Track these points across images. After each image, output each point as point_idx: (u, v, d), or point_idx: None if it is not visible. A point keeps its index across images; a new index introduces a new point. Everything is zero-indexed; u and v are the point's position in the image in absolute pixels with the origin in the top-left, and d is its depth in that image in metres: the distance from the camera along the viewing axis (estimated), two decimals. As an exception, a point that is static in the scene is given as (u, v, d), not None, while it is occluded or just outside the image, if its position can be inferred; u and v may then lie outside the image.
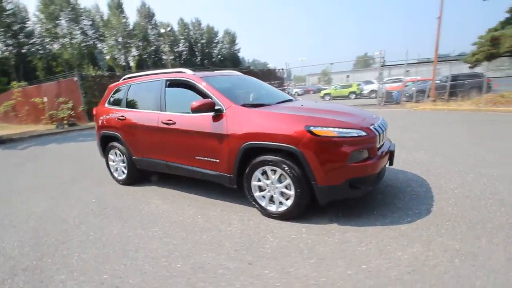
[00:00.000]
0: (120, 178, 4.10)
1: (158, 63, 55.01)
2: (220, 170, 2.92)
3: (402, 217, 2.54)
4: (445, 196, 2.90)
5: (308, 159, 2.33)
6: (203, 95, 3.02)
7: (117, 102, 4.02)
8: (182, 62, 60.44)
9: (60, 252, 2.39)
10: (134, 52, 53.63)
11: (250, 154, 2.68)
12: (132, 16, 67.55)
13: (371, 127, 2.49)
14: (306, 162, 2.35)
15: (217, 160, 2.91)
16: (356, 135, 2.36)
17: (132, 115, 3.68)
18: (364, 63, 73.88)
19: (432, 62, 17.69)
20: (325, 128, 2.35)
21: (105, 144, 4.18)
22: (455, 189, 3.07)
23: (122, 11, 49.23)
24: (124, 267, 2.11)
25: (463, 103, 11.12)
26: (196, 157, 3.08)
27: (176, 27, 60.50)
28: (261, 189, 2.75)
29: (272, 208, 2.67)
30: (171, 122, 3.19)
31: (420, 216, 2.52)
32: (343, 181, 2.35)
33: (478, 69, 14.74)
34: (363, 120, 2.62)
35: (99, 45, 48.39)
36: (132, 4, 66.20)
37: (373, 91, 22.79)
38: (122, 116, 3.77)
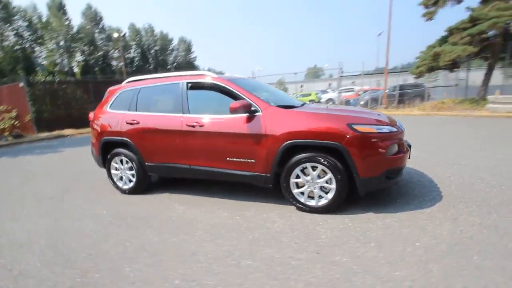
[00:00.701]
0: (125, 187, 3.82)
1: (106, 69, 51.18)
2: (256, 171, 2.98)
3: (422, 203, 2.92)
4: (446, 184, 3.39)
5: (352, 154, 2.56)
6: (235, 97, 3.06)
7: (123, 106, 3.77)
8: (134, 69, 57.37)
9: (102, 266, 2.18)
10: (79, 57, 49.09)
11: (288, 153, 2.81)
12: (76, 19, 62.05)
13: (397, 124, 2.84)
14: (350, 157, 2.57)
15: (253, 161, 2.96)
16: (389, 131, 2.67)
17: (147, 119, 3.50)
18: (314, 74, 79.90)
19: (380, 73, 19.90)
20: (365, 126, 2.62)
21: (106, 151, 3.87)
22: (449, 177, 3.60)
23: (64, 13, 44.91)
24: (192, 270, 2.04)
25: (413, 108, 12.78)
26: (228, 159, 3.08)
27: (127, 33, 57.33)
28: (297, 185, 2.88)
29: (312, 203, 2.82)
30: (197, 124, 3.15)
31: (437, 201, 2.92)
32: (381, 173, 2.63)
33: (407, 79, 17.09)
34: (387, 118, 2.96)
35: (36, 48, 43.20)
36: (76, 6, 60.84)
37: (329, 99, 24.68)
38: (134, 120, 3.56)
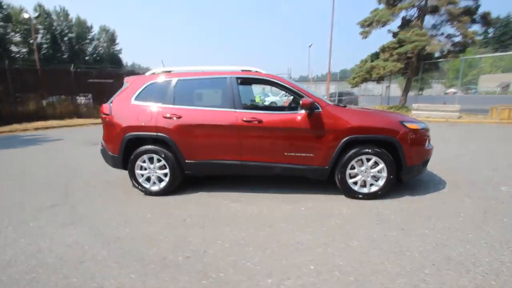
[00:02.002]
0: (154, 188, 3.47)
1: (3, 55, 41.46)
2: (314, 164, 3.19)
3: (438, 186, 3.63)
4: (450, 172, 4.23)
5: (403, 147, 3.06)
6: (295, 94, 3.22)
7: (155, 98, 3.41)
8: (41, 57, 48.04)
9: (212, 267, 2.07)
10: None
11: (346, 147, 3.14)
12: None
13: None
14: (402, 149, 3.06)
15: (311, 155, 3.17)
16: (425, 127, 3.28)
17: (192, 114, 3.28)
18: None
19: (321, 81, 22.10)
20: (411, 123, 3.15)
21: (129, 149, 3.43)
22: (448, 168, 4.51)
23: None
24: (315, 256, 2.14)
25: (353, 113, 14.81)
26: (286, 154, 3.20)
27: (32, 14, 47.60)
28: (350, 176, 3.23)
29: (364, 190, 3.21)
30: (255, 120, 3.17)
31: (451, 185, 3.67)
32: (421, 162, 3.21)
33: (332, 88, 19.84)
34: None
35: None
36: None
37: (273, 102, 26.06)
38: (174, 114, 3.28)
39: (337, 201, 3.22)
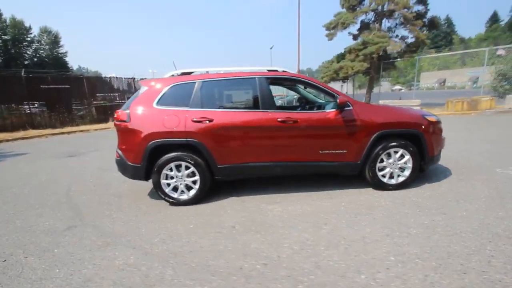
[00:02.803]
0: (183, 197, 3.25)
1: None
2: (347, 160, 3.29)
3: (446, 173, 3.98)
4: (447, 160, 4.59)
5: (426, 139, 3.31)
6: (325, 93, 3.28)
7: (180, 102, 3.20)
8: (-32, 61, 41.39)
9: (298, 271, 2.02)
10: None
11: (376, 142, 3.29)
12: None
13: None
14: (425, 141, 3.31)
15: (345, 151, 3.27)
16: (439, 119, 3.59)
17: (224, 116, 3.14)
18: None
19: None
20: (430, 116, 3.42)
21: (153, 158, 3.17)
22: (443, 157, 4.95)
23: None
24: (390, 247, 2.22)
25: (326, 111, 15.52)
26: (321, 152, 3.25)
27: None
28: (379, 169, 3.40)
29: (393, 181, 3.40)
30: (290, 119, 3.16)
31: (455, 172, 4.03)
32: (439, 152, 3.51)
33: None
34: None
35: None
36: None
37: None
38: (204, 117, 3.11)
39: (368, 194, 3.36)
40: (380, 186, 3.40)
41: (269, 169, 3.30)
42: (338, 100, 3.11)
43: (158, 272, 2.07)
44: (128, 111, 3.19)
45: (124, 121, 3.19)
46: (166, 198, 3.25)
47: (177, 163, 3.17)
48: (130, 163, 3.21)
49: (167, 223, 2.85)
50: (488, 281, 1.78)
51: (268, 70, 3.40)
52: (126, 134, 3.21)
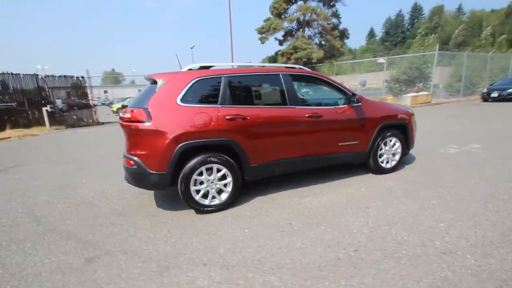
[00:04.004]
0: (215, 202, 2.98)
1: None
2: (359, 149, 3.69)
3: (411, 156, 4.91)
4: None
5: (409, 128, 4.03)
6: (339, 91, 3.56)
7: (207, 98, 2.90)
8: None
9: (404, 252, 2.22)
10: None
11: (379, 132, 3.80)
12: None
13: None
14: (409, 130, 4.02)
15: (357, 142, 3.65)
16: (413, 112, 4.39)
17: (257, 113, 3.02)
18: (113, 79, 72.96)
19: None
20: (408, 109, 4.15)
21: (180, 162, 2.79)
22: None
23: None
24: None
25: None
26: (340, 144, 3.53)
27: None
28: (379, 156, 3.93)
29: (388, 165, 3.99)
30: (316, 115, 3.30)
31: (418, 154, 4.99)
32: (414, 138, 4.31)
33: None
34: None
35: None
36: None
37: (125, 106, 24.40)
38: (238, 115, 2.92)
39: (373, 179, 3.83)
40: (380, 170, 3.93)
41: (297, 164, 3.37)
42: (356, 97, 3.46)
43: (262, 281, 1.90)
44: (147, 109, 2.69)
45: (142, 121, 2.68)
46: (196, 207, 2.91)
47: (208, 165, 2.88)
48: (153, 171, 2.73)
49: (215, 232, 2.58)
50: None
51: (286, 67, 3.46)
52: (145, 136, 2.71)
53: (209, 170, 2.92)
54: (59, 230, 2.77)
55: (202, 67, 3.13)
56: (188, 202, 2.87)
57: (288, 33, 17.64)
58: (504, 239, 2.25)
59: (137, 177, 2.79)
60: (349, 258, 2.11)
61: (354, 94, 3.54)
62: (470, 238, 2.29)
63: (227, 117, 2.90)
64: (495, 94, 13.58)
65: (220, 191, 3.03)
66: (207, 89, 2.97)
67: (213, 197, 2.99)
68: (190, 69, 3.08)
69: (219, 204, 2.99)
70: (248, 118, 2.98)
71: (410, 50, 27.56)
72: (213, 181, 2.95)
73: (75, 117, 13.95)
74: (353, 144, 3.64)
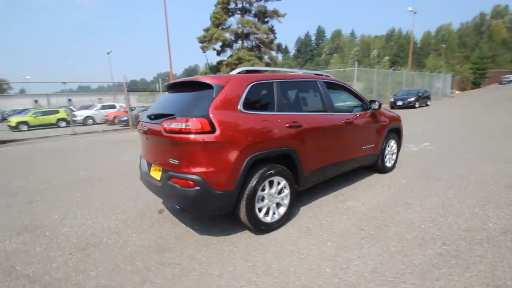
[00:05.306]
0: (276, 219, 2.71)
1: None
2: (374, 152, 3.98)
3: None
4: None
5: (401, 130, 4.60)
6: (358, 98, 3.79)
7: (263, 104, 2.63)
8: None
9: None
10: None
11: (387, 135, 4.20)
12: None
13: None
14: (400, 132, 4.58)
15: (373, 145, 3.94)
16: (395, 117, 5.01)
17: (309, 120, 2.90)
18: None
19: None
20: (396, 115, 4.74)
21: (248, 174, 2.45)
22: None
23: None
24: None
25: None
26: (363, 147, 3.73)
27: None
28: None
29: (389, 165, 4.42)
30: (349, 120, 3.42)
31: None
32: (400, 139, 4.93)
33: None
34: None
35: None
36: None
37: (88, 117, 20.89)
38: (295, 122, 2.74)
39: (385, 178, 4.16)
40: (385, 170, 4.34)
41: (334, 170, 3.39)
42: (377, 104, 3.76)
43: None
44: (210, 118, 2.25)
45: (205, 132, 2.22)
46: (261, 227, 2.58)
47: (271, 178, 2.61)
48: (219, 191, 2.28)
49: (299, 251, 2.34)
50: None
51: (316, 74, 3.48)
52: (209, 150, 2.24)
53: (270, 184, 2.65)
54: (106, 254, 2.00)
55: (248, 71, 2.85)
56: (251, 222, 2.51)
57: (227, 44, 17.77)
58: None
59: (199, 200, 2.27)
60: (448, 252, 2.23)
61: (371, 101, 3.83)
62: (488, 210, 2.75)
63: (286, 124, 2.70)
64: (400, 103, 16.87)
65: (277, 205, 2.77)
66: (263, 94, 2.71)
67: (274, 213, 2.71)
68: (238, 72, 2.75)
69: (279, 220, 2.73)
70: (303, 125, 2.84)
71: (331, 65, 31.62)
72: (273, 196, 2.68)
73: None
74: (371, 147, 3.92)
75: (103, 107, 21.56)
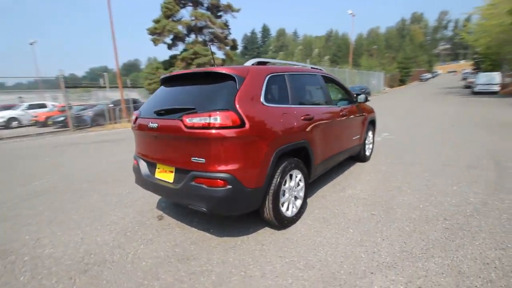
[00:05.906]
0: (294, 213, 2.70)
1: None
2: (359, 142, 4.27)
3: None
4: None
5: (375, 120, 5.02)
6: (346, 91, 3.99)
7: (280, 97, 2.58)
8: None
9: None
10: None
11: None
12: None
13: None
14: (375, 122, 5.00)
15: (358, 136, 4.21)
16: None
17: (317, 112, 2.94)
18: None
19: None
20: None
21: (276, 166, 2.40)
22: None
23: None
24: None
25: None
26: (353, 138, 3.96)
27: None
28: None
29: (368, 153, 4.78)
30: (344, 113, 3.58)
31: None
32: (373, 130, 5.38)
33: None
34: None
35: None
36: None
37: (12, 118, 17.62)
38: (308, 114, 2.75)
39: (365, 166, 4.52)
40: (365, 159, 4.69)
41: (335, 160, 3.53)
42: (363, 97, 4.00)
43: (449, 263, 2.00)
44: (239, 111, 2.11)
45: (235, 127, 2.08)
46: (284, 222, 2.54)
47: (291, 172, 2.59)
48: (250, 188, 2.17)
49: (328, 241, 2.38)
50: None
51: (312, 68, 3.55)
52: (240, 145, 2.10)
53: (290, 177, 2.62)
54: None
55: (260, 63, 2.75)
56: (276, 218, 2.46)
57: (179, 38, 16.85)
58: None
59: (230, 200, 2.11)
60: (452, 226, 2.53)
61: (357, 95, 4.08)
62: (478, 188, 3.24)
63: (302, 117, 2.70)
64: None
65: (295, 199, 2.77)
66: (278, 86, 2.66)
67: (293, 207, 2.70)
68: (252, 64, 2.64)
69: (297, 213, 2.73)
70: (314, 118, 2.88)
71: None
72: (292, 189, 2.66)
73: None
74: (357, 138, 4.18)
75: (31, 107, 18.50)
